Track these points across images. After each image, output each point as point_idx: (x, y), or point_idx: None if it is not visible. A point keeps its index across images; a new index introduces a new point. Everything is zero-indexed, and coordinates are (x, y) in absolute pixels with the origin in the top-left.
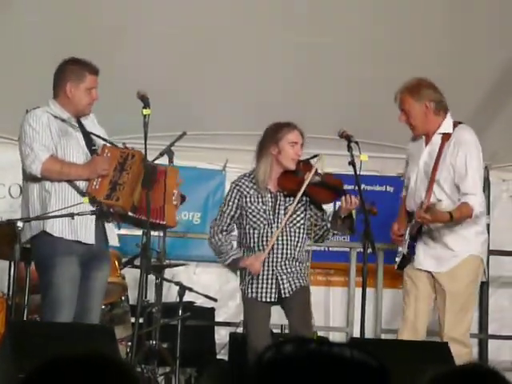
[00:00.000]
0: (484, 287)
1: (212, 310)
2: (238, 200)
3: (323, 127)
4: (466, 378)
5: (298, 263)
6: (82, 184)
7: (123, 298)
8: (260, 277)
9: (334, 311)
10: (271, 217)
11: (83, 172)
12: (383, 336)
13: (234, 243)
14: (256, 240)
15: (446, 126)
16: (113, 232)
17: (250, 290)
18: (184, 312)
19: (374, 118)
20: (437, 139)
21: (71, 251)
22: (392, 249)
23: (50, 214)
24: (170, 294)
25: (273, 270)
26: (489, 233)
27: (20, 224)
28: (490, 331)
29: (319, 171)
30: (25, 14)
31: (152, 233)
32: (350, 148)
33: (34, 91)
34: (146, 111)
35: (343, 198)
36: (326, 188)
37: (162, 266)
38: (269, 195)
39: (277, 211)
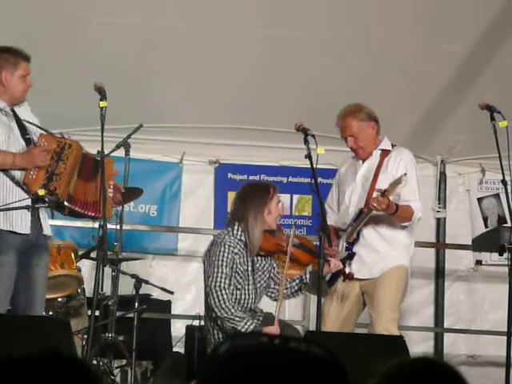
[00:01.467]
0: (440, 281)
1: (168, 302)
2: (232, 262)
3: (280, 120)
4: (420, 371)
5: None
6: (17, 174)
7: (79, 290)
8: None
9: (290, 304)
10: (250, 278)
11: (20, 162)
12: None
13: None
14: (239, 300)
15: (386, 144)
16: (46, 221)
17: None
18: (140, 305)
19: (331, 111)
20: (376, 154)
21: (7, 245)
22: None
23: (4, 207)
24: (126, 287)
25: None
26: (445, 227)
27: None
28: (446, 325)
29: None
30: None
31: (108, 225)
32: (306, 141)
33: None
34: (102, 103)
35: (331, 261)
36: (305, 251)
37: (119, 260)
38: (248, 255)
39: (255, 271)
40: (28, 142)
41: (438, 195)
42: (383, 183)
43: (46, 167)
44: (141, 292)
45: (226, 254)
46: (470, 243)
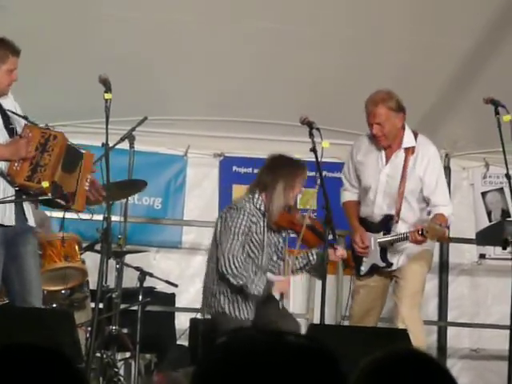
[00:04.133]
0: (443, 275)
1: (172, 295)
2: (248, 230)
3: (285, 114)
4: (399, 364)
5: None
6: (1, 165)
7: (83, 282)
8: (246, 297)
9: (295, 298)
10: (265, 248)
11: (4, 152)
12: (344, 323)
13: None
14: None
15: (409, 139)
16: (30, 213)
17: (243, 313)
18: (144, 297)
19: (335, 104)
20: (400, 152)
21: None
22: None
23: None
24: (130, 280)
25: None
26: None
27: None
28: (450, 318)
29: None
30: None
31: (113, 218)
32: (311, 135)
33: None
34: (107, 95)
35: (338, 250)
36: (315, 234)
37: (123, 252)
38: (264, 226)
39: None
40: (11, 132)
41: None
42: (410, 186)
43: (30, 159)
44: (145, 285)
45: (243, 222)
46: (474, 237)
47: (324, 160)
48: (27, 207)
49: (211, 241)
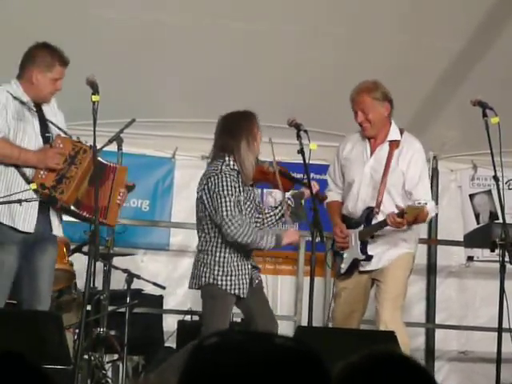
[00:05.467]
0: (431, 277)
1: (160, 297)
2: (235, 189)
3: (272, 115)
4: (377, 365)
5: None
6: (28, 171)
7: (71, 285)
8: (243, 271)
9: (282, 300)
10: (243, 207)
11: (32, 159)
12: (331, 325)
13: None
14: None
15: (394, 133)
16: (57, 221)
17: (233, 288)
18: (132, 299)
19: (323, 106)
20: (385, 145)
21: (8, 240)
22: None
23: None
24: (118, 282)
25: (250, 264)
26: (437, 223)
27: None
28: (437, 321)
29: None
30: None
31: None
32: (299, 137)
33: None
34: (95, 97)
35: (314, 183)
36: (286, 177)
37: (111, 255)
38: (241, 185)
39: (246, 201)
40: (47, 140)
41: None
42: (392, 179)
43: (57, 170)
44: (132, 287)
45: (228, 183)
46: (462, 239)
47: (312, 162)
48: (54, 216)
49: (196, 214)
